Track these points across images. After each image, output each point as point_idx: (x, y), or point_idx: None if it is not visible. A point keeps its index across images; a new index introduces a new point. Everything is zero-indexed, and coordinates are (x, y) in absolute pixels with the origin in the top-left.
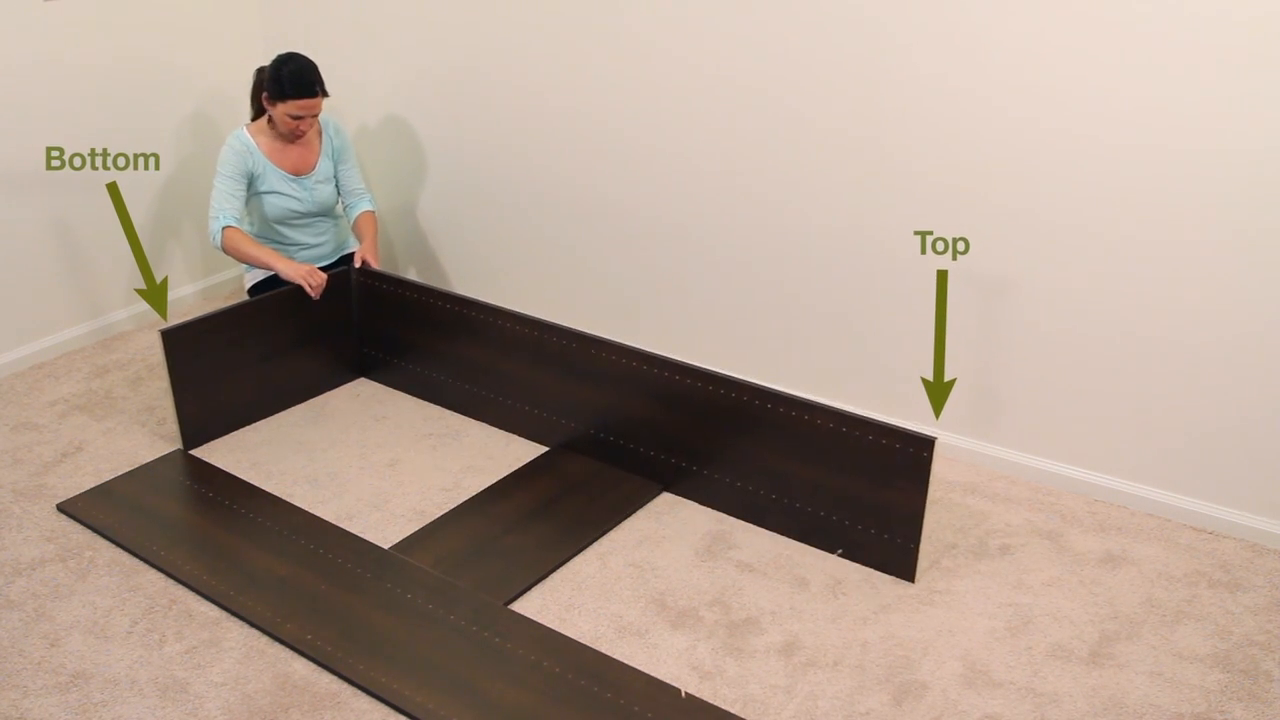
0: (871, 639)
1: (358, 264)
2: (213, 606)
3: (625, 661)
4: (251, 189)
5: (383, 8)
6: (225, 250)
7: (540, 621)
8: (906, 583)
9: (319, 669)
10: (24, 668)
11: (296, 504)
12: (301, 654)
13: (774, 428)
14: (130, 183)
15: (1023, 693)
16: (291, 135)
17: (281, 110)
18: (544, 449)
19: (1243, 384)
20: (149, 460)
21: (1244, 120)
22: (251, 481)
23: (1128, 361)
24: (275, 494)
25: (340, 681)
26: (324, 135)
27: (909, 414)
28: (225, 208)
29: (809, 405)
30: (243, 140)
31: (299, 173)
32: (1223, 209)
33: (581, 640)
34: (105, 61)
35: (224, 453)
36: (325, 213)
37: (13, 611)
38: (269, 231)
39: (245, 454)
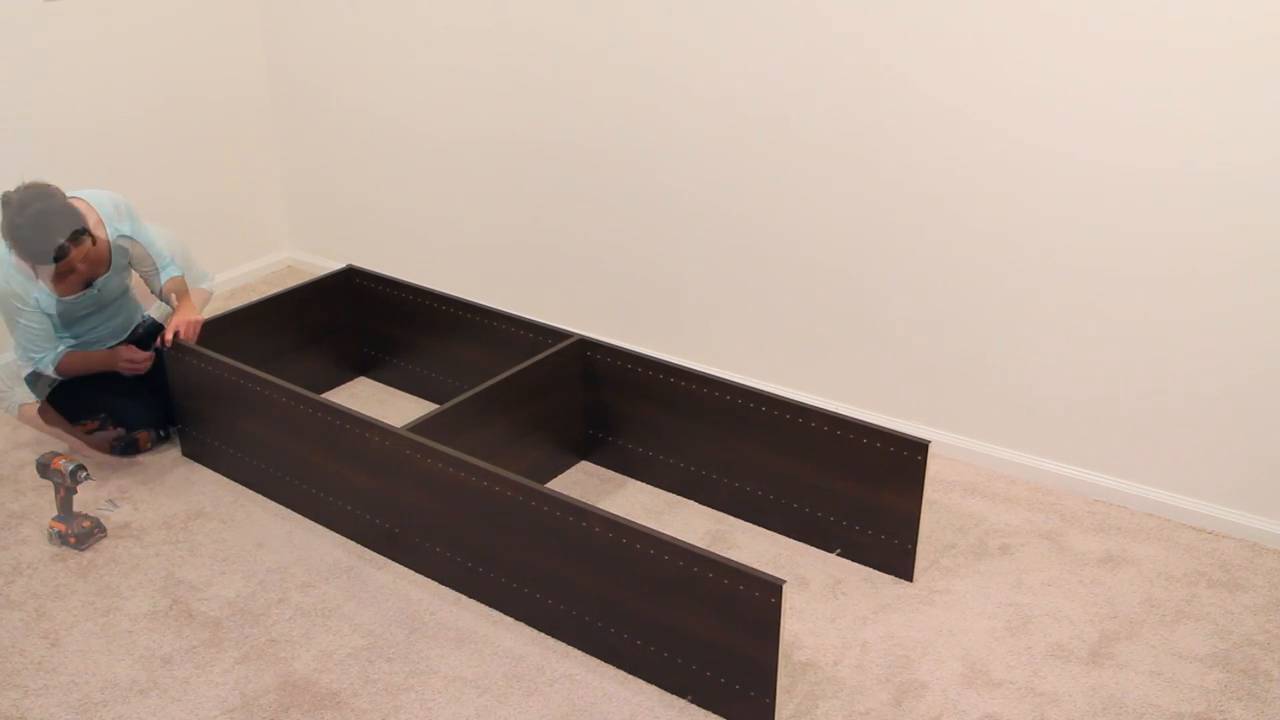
0: (871, 639)
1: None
2: (213, 606)
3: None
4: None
5: (382, 9)
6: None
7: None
8: (906, 582)
9: (319, 669)
10: (24, 668)
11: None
12: (302, 657)
13: (772, 430)
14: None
15: (1022, 692)
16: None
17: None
18: None
19: (1243, 384)
20: (148, 462)
21: (1238, 126)
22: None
23: (1128, 362)
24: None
25: (340, 681)
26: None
27: (910, 414)
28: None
29: (805, 409)
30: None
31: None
32: (1222, 211)
33: None
34: (105, 61)
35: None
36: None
37: (13, 611)
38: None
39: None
